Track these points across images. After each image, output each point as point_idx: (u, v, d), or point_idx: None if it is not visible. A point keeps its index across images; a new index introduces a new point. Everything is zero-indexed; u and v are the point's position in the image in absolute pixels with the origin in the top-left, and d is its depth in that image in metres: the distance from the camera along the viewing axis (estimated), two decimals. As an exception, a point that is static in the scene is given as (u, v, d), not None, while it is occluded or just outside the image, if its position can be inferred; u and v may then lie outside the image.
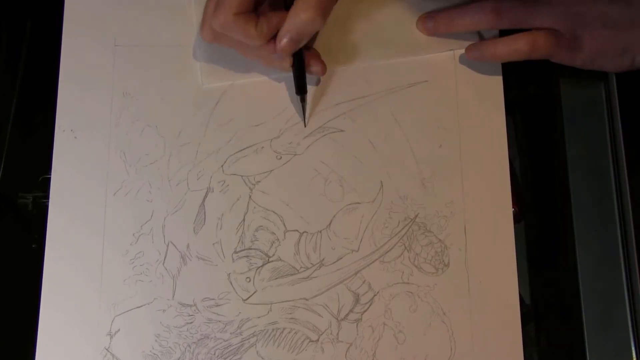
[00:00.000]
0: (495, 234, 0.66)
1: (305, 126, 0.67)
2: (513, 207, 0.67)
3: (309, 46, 0.67)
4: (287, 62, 0.65)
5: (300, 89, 0.66)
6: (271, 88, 0.68)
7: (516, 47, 0.66)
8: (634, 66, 0.66)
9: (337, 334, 0.64)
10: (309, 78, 0.67)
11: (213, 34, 0.63)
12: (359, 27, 0.69)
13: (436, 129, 0.68)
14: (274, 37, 0.63)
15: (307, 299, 0.65)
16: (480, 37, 0.70)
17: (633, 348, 0.64)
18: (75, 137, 0.67)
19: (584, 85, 0.70)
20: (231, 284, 0.64)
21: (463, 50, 0.69)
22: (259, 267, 0.65)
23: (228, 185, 0.66)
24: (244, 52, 0.65)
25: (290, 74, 0.66)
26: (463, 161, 0.67)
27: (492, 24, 0.68)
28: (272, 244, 0.65)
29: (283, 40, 0.62)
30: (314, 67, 0.66)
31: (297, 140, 0.67)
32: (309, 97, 0.67)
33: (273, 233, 0.66)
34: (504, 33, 0.69)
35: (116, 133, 0.67)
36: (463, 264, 0.65)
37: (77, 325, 0.63)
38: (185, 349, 0.63)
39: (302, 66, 0.65)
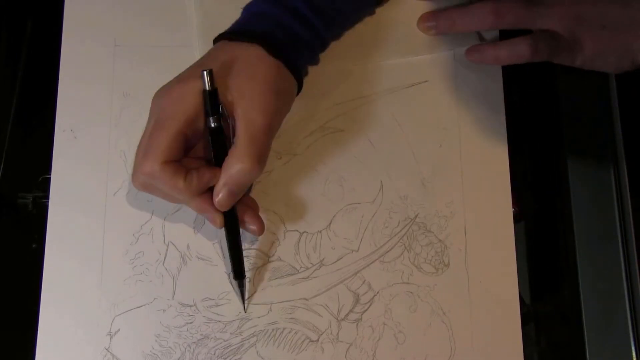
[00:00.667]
0: (495, 234, 0.66)
1: (245, 312, 0.64)
2: (513, 207, 0.67)
3: (243, 199, 0.63)
4: (219, 221, 0.61)
5: (238, 274, 0.62)
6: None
7: (518, 51, 0.66)
8: (634, 66, 0.66)
9: (337, 333, 0.64)
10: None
11: (143, 183, 0.60)
12: (358, 27, 0.69)
13: (436, 129, 0.68)
14: (205, 192, 0.60)
15: (307, 299, 0.64)
16: (480, 37, 0.70)
17: (633, 348, 0.64)
18: (75, 137, 0.67)
19: (584, 85, 0.70)
20: (231, 284, 0.64)
21: (463, 51, 0.69)
22: (259, 267, 0.65)
23: (228, 185, 0.66)
24: (175, 199, 0.62)
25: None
26: (463, 161, 0.67)
27: (493, 25, 0.67)
28: (272, 244, 0.65)
29: (220, 194, 0.59)
30: (250, 226, 0.62)
31: (297, 140, 0.67)
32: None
33: (273, 233, 0.66)
34: (503, 33, 0.69)
35: (116, 133, 0.67)
36: (463, 264, 0.65)
37: (77, 325, 0.63)
38: (185, 349, 0.63)
39: (238, 249, 0.62)
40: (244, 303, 0.64)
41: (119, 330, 0.64)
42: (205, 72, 0.57)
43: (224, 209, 0.60)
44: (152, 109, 0.61)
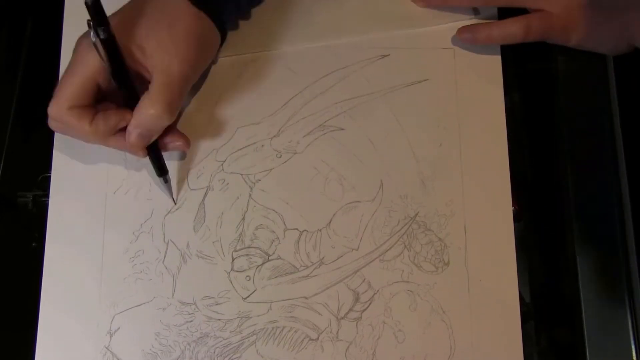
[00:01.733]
0: (495, 233, 0.66)
1: (175, 204, 0.66)
2: (513, 206, 0.67)
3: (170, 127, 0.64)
4: (141, 153, 0.63)
5: (161, 171, 0.64)
6: (271, 86, 0.68)
7: (510, 31, 0.66)
8: (630, 49, 0.66)
9: (337, 332, 0.64)
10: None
11: (54, 126, 0.62)
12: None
13: (436, 128, 0.68)
14: (120, 132, 0.61)
15: (307, 298, 0.64)
16: (476, 13, 0.70)
17: (633, 348, 0.64)
18: (75, 136, 0.67)
19: (585, 85, 0.70)
20: (231, 282, 0.64)
21: (463, 50, 0.69)
22: (258, 266, 0.65)
23: (228, 183, 0.66)
24: (89, 141, 0.63)
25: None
26: (463, 160, 0.67)
27: (486, 1, 0.68)
28: (272, 243, 0.65)
29: (132, 136, 0.61)
30: (171, 144, 0.64)
31: (297, 138, 0.67)
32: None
33: (273, 231, 0.66)
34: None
35: (116, 132, 0.67)
36: (463, 263, 0.65)
37: (77, 324, 0.63)
38: (185, 347, 0.63)
39: (157, 151, 0.64)
40: (172, 196, 0.66)
41: (118, 328, 0.64)
42: None
43: (136, 149, 0.62)
44: (73, 51, 0.62)
